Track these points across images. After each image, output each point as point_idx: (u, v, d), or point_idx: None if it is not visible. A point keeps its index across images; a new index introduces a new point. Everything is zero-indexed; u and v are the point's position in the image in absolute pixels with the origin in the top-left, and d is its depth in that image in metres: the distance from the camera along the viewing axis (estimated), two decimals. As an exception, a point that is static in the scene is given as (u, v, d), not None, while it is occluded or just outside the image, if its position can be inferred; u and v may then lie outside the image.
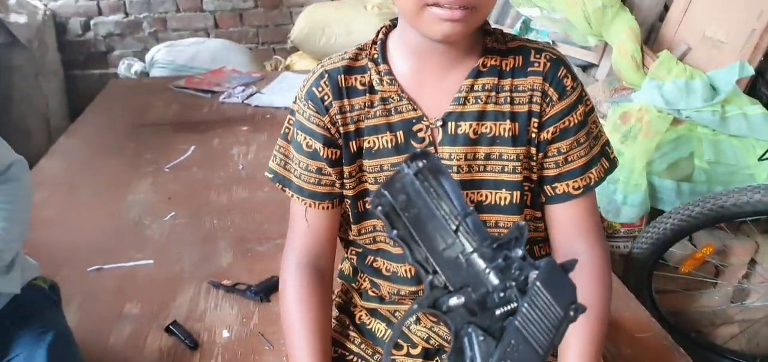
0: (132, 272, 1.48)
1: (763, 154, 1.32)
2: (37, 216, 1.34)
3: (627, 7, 2.16)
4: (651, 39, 2.30)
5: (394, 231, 0.45)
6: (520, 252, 0.43)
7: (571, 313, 0.42)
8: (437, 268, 0.44)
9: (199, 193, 1.85)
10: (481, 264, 0.43)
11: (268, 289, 1.39)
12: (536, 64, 0.80)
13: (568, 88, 0.80)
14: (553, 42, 2.43)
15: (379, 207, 0.45)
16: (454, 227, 0.43)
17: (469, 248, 0.43)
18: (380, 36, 0.84)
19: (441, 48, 0.78)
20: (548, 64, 0.80)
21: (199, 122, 2.37)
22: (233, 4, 3.64)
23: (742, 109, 1.87)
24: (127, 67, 3.29)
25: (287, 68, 3.28)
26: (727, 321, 1.96)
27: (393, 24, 0.85)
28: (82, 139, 2.20)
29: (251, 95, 2.70)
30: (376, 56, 0.82)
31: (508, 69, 0.81)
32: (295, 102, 0.86)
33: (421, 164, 0.44)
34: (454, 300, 0.43)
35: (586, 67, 2.46)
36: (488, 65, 0.80)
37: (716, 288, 1.99)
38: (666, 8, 2.30)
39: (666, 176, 1.89)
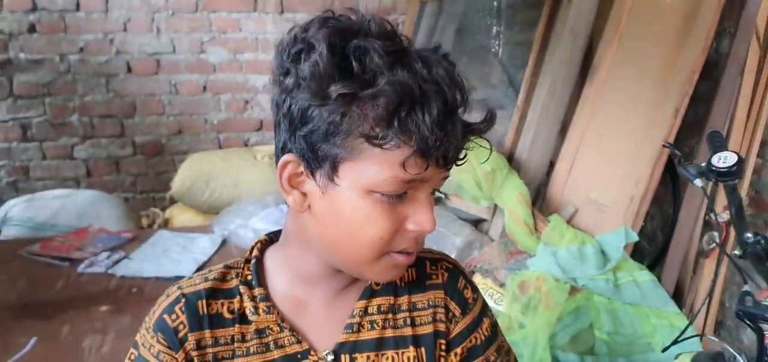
0: None
1: (667, 347, 1.25)
2: None
3: (514, 170, 2.18)
4: (539, 198, 2.33)
5: None
6: None
7: None
8: None
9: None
10: None
11: None
12: (434, 277, 0.70)
13: (470, 301, 0.70)
14: (445, 195, 2.39)
15: None
16: None
17: None
18: (255, 253, 0.68)
19: (341, 273, 0.66)
20: (446, 275, 0.71)
21: (49, 303, 2.00)
22: (109, 151, 3.35)
23: (632, 275, 1.87)
24: (-27, 226, 2.84)
25: (166, 222, 2.99)
26: None
27: (270, 238, 0.70)
28: None
29: (118, 261, 2.37)
30: (249, 278, 0.66)
31: (403, 284, 0.69)
32: (140, 331, 0.66)
33: None
34: None
35: (478, 222, 2.43)
36: (381, 282, 0.68)
37: None
38: (551, 165, 2.36)
39: (569, 349, 1.80)
